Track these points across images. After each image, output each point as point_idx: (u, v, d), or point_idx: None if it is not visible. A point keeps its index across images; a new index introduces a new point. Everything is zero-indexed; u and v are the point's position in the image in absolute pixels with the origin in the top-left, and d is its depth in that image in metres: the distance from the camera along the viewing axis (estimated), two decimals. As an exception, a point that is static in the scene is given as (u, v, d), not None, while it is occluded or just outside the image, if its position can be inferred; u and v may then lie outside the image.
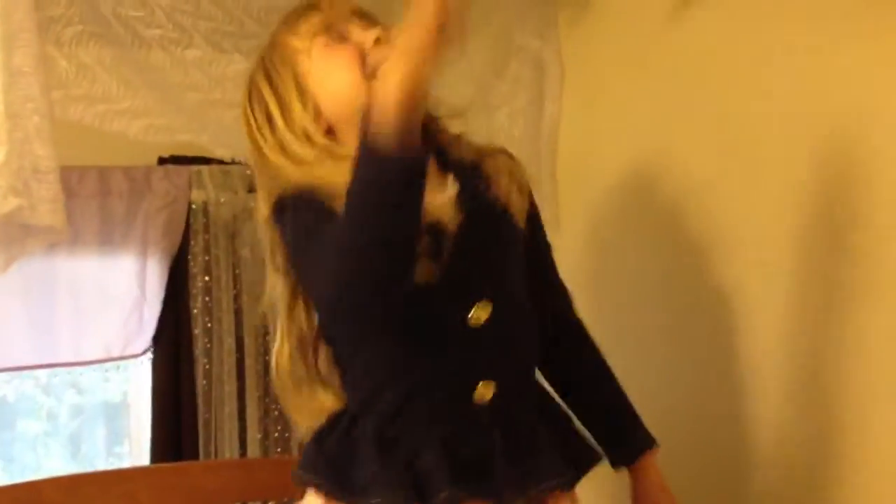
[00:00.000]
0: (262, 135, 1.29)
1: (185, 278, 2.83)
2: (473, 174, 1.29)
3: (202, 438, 2.80)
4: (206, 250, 2.84)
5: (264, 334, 2.90)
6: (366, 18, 1.28)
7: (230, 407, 2.82)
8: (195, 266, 2.83)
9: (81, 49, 1.83)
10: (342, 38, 1.26)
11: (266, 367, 2.89)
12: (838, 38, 1.24)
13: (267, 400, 2.89)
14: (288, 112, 1.26)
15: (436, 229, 1.22)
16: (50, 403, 3.49)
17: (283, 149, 1.26)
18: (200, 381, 2.81)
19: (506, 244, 1.30)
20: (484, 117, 1.95)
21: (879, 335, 1.22)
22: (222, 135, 1.96)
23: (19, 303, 2.69)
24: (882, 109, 1.19)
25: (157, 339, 2.81)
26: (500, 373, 1.25)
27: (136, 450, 3.35)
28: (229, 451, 2.80)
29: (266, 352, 2.90)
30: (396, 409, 1.25)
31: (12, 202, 1.74)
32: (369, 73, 1.21)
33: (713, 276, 1.56)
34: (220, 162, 2.85)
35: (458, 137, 1.33)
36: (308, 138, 1.26)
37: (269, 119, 1.27)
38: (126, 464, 3.22)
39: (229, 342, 2.83)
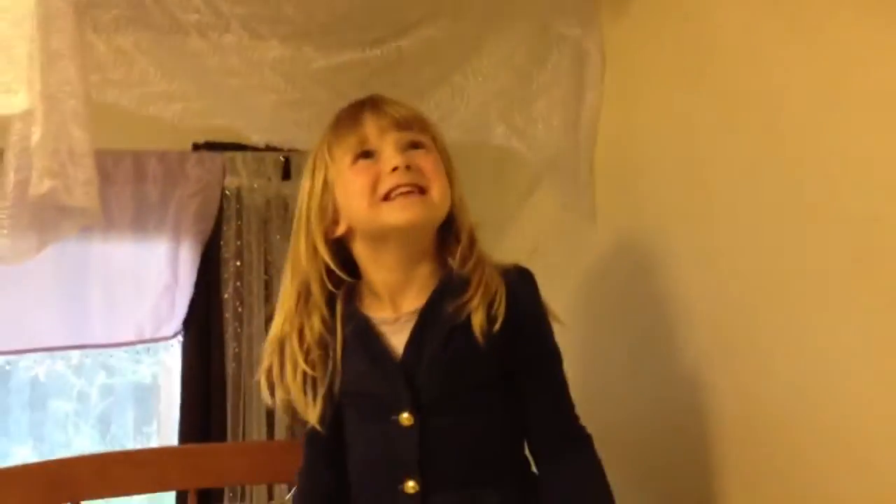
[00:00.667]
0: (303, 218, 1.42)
1: (217, 263, 2.85)
2: (457, 289, 1.33)
3: (230, 421, 2.83)
4: (239, 236, 2.86)
5: (294, 320, 2.90)
6: (406, 128, 1.36)
7: (258, 391, 2.82)
8: (227, 251, 2.85)
9: (119, 33, 1.84)
10: (370, 156, 1.35)
11: (295, 353, 2.91)
12: None
13: (295, 385, 2.89)
14: (313, 211, 1.39)
15: (376, 342, 1.36)
16: (81, 384, 3.53)
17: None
18: (230, 365, 2.84)
19: (448, 362, 1.33)
20: (523, 107, 1.94)
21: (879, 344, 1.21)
22: (258, 120, 1.96)
23: (53, 285, 2.73)
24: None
25: (188, 323, 2.84)
26: (426, 471, 1.34)
27: (164, 431, 3.39)
28: (257, 434, 2.82)
29: (296, 338, 2.91)
30: (357, 484, 1.43)
31: (47, 184, 1.75)
32: (378, 199, 1.31)
33: (757, 272, 1.54)
34: (255, 149, 2.87)
35: (471, 238, 1.39)
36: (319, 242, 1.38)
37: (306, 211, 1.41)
38: (154, 444, 3.26)
39: (259, 327, 2.85)
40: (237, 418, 2.83)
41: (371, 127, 1.35)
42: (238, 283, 2.85)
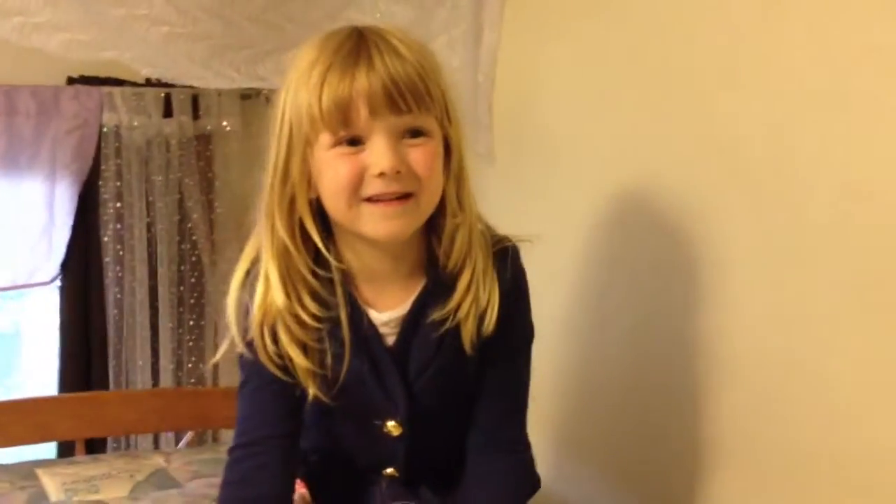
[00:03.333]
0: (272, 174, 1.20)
1: (96, 205, 2.73)
2: (443, 291, 1.23)
3: (112, 369, 2.74)
4: (118, 176, 2.74)
5: (179, 263, 2.83)
6: (403, 105, 1.12)
7: (142, 337, 2.76)
8: (106, 192, 2.73)
9: (-2, -42, 1.72)
10: (358, 143, 1.14)
11: (180, 298, 2.83)
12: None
13: (181, 331, 2.83)
14: (284, 176, 1.18)
15: (367, 343, 1.24)
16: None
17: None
18: (111, 311, 2.74)
19: (438, 371, 1.27)
20: (424, 45, 1.91)
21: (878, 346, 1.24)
22: (148, 53, 1.87)
23: (-82, 226, 2.56)
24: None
25: (66, 267, 2.71)
26: (408, 465, 1.33)
27: (30, 382, 3.24)
28: (141, 382, 2.74)
29: (180, 282, 2.84)
30: (322, 465, 1.37)
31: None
32: (359, 199, 1.14)
33: (649, 217, 1.57)
34: (133, 84, 2.75)
35: (463, 235, 1.22)
36: (289, 208, 1.19)
37: (275, 170, 1.19)
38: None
39: (142, 271, 2.76)
40: (120, 366, 2.74)
41: (360, 100, 1.11)
42: (118, 226, 2.74)
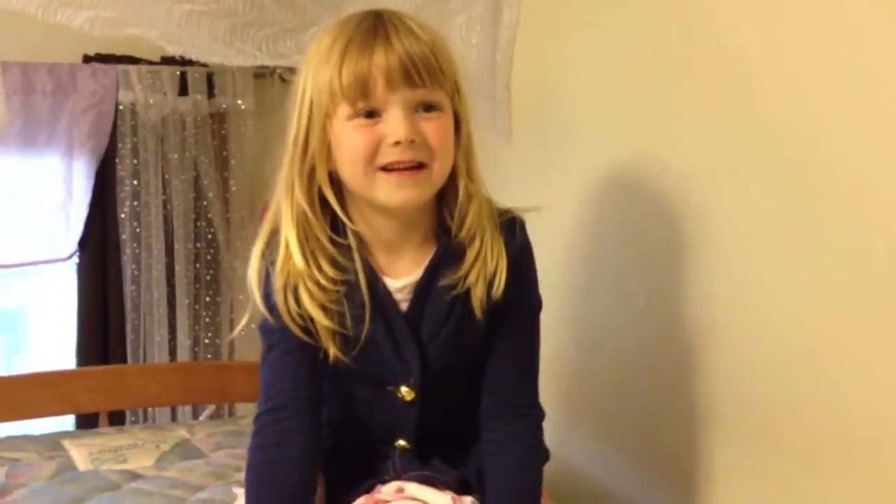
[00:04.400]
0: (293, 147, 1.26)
1: (113, 182, 2.75)
2: (453, 257, 1.29)
3: (130, 345, 2.77)
4: (135, 154, 2.77)
5: (194, 241, 2.86)
6: (418, 80, 1.19)
7: (159, 314, 2.78)
8: (123, 170, 2.75)
9: (25, -65, 1.74)
10: (375, 116, 1.20)
11: (196, 274, 2.87)
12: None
13: (197, 307, 2.86)
14: (304, 148, 1.24)
15: (382, 308, 1.29)
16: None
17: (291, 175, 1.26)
18: (128, 288, 2.76)
19: (449, 336, 1.31)
20: (442, 24, 1.93)
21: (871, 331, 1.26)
22: (172, 31, 1.89)
23: (-63, 202, 2.59)
24: (875, 102, 1.22)
25: (84, 244, 2.75)
26: (419, 433, 1.36)
27: (38, 359, 3.27)
28: (158, 357, 2.77)
29: (196, 259, 2.87)
30: (335, 435, 1.39)
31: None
32: (375, 168, 1.20)
33: (670, 204, 1.60)
34: (149, 62, 2.77)
35: (476, 205, 1.28)
36: (309, 180, 1.25)
37: (295, 143, 1.25)
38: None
39: (158, 248, 2.78)
40: (137, 342, 2.77)
41: (378, 74, 1.18)
42: (135, 203, 2.76)
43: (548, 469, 1.38)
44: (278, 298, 1.26)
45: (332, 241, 1.26)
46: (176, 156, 2.82)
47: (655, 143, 1.64)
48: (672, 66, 1.59)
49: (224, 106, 2.87)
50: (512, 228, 1.32)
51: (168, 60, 2.75)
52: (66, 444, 1.94)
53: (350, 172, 1.22)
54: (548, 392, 1.40)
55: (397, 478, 1.33)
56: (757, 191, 1.41)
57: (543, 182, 1.95)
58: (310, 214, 1.25)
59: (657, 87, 1.63)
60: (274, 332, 1.29)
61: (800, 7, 1.33)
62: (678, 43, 1.57)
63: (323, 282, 1.25)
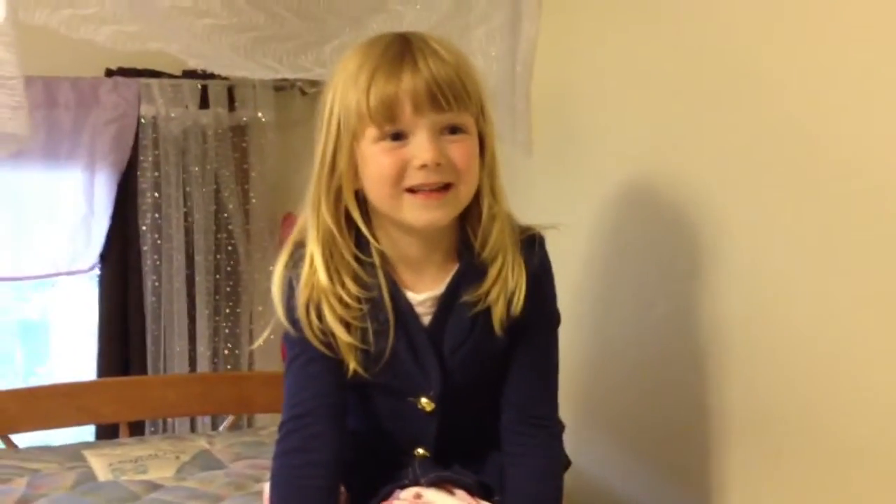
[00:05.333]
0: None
1: (134, 195, 2.78)
2: (475, 275, 1.30)
3: (150, 356, 2.79)
4: (156, 166, 2.79)
5: (215, 253, 2.88)
6: (445, 104, 1.21)
7: (179, 325, 2.80)
8: (144, 182, 2.78)
9: (46, -49, 1.76)
10: (400, 138, 1.22)
11: (216, 285, 2.88)
12: None
13: (217, 318, 2.88)
14: (332, 168, 1.26)
15: (404, 321, 1.30)
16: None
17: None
18: (149, 299, 2.79)
19: (470, 350, 1.33)
20: (461, 36, 1.93)
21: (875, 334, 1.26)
22: (194, 45, 1.90)
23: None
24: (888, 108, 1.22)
25: (105, 256, 2.77)
26: (439, 443, 1.37)
27: (59, 370, 3.30)
28: (178, 368, 2.79)
29: (217, 270, 2.88)
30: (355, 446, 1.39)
31: (-22, 107, 1.69)
32: (402, 189, 1.22)
33: (689, 215, 1.60)
34: (170, 76, 2.80)
35: (499, 225, 1.30)
36: (336, 198, 1.27)
37: (322, 163, 1.27)
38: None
39: (179, 260, 2.81)
40: (158, 353, 2.79)
41: (405, 98, 1.20)
42: (156, 216, 2.79)
43: (565, 478, 1.38)
44: (300, 314, 1.27)
45: (357, 259, 1.28)
46: (197, 168, 2.84)
47: (675, 153, 1.64)
48: (692, 76, 1.59)
49: (245, 119, 2.90)
50: (532, 245, 1.33)
51: (189, 74, 2.78)
52: (87, 454, 1.95)
53: (377, 193, 1.25)
54: (566, 401, 1.41)
55: (416, 483, 1.34)
56: (777, 200, 1.40)
57: (563, 193, 1.95)
58: (335, 232, 1.27)
59: (677, 98, 1.63)
60: (297, 343, 1.31)
61: (822, 17, 1.32)
62: (698, 53, 1.57)
63: (346, 298, 1.26)
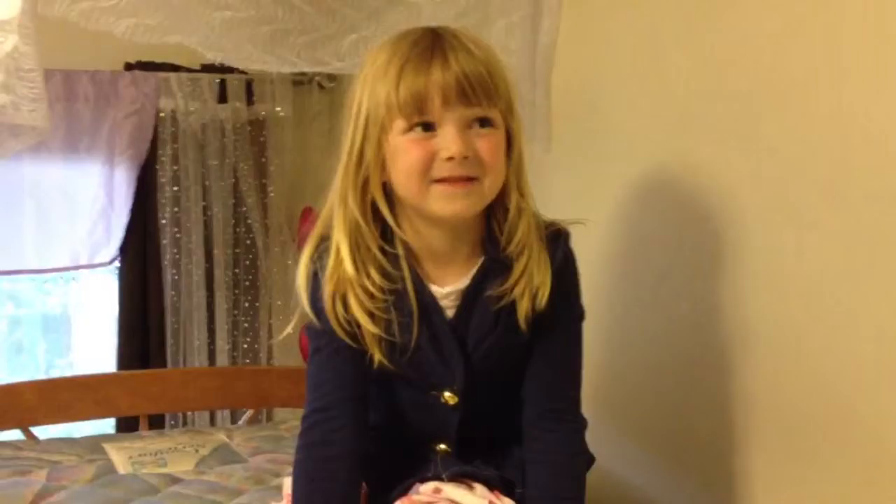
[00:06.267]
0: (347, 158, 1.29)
1: (154, 188, 2.79)
2: (500, 269, 1.30)
3: (170, 349, 2.79)
4: (175, 160, 2.80)
5: (233, 246, 2.88)
6: (473, 98, 1.21)
7: (198, 318, 2.81)
8: (163, 176, 2.79)
9: (66, -58, 1.76)
10: (428, 129, 1.22)
11: (235, 279, 2.89)
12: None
13: (236, 312, 2.88)
14: (359, 160, 1.27)
15: (428, 314, 1.30)
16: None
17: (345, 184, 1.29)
18: (168, 292, 2.79)
19: (494, 344, 1.32)
20: (481, 29, 1.92)
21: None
22: (212, 38, 1.90)
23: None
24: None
25: (125, 249, 2.78)
26: (461, 438, 1.37)
27: (80, 362, 3.32)
28: (197, 361, 2.80)
29: (235, 264, 2.89)
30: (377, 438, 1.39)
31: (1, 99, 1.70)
32: (429, 181, 1.22)
33: (710, 211, 1.58)
34: (189, 70, 2.80)
35: (525, 220, 1.30)
36: (364, 189, 1.28)
37: (350, 155, 1.28)
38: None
39: (198, 253, 2.81)
40: (177, 347, 2.80)
41: (435, 91, 1.21)
42: (175, 209, 2.79)
43: (588, 475, 1.38)
44: (326, 304, 1.28)
45: (382, 251, 1.29)
46: (216, 162, 2.85)
47: (696, 148, 1.63)
48: (714, 70, 1.57)
49: (263, 113, 2.90)
50: (557, 240, 1.33)
51: (208, 68, 2.78)
52: (107, 447, 1.96)
53: (404, 184, 1.25)
54: (586, 399, 1.39)
55: (437, 477, 1.33)
56: (803, 196, 1.38)
57: (583, 188, 1.93)
58: (362, 223, 1.28)
59: (698, 92, 1.61)
60: (321, 335, 1.31)
61: (849, 11, 1.30)
62: (721, 47, 1.55)
63: (371, 289, 1.27)
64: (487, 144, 1.23)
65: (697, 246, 1.62)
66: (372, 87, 1.24)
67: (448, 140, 1.21)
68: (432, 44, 1.23)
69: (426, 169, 1.22)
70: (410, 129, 1.22)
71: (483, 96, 1.22)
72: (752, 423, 1.51)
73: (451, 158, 1.21)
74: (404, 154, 1.23)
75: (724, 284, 1.56)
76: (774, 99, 1.44)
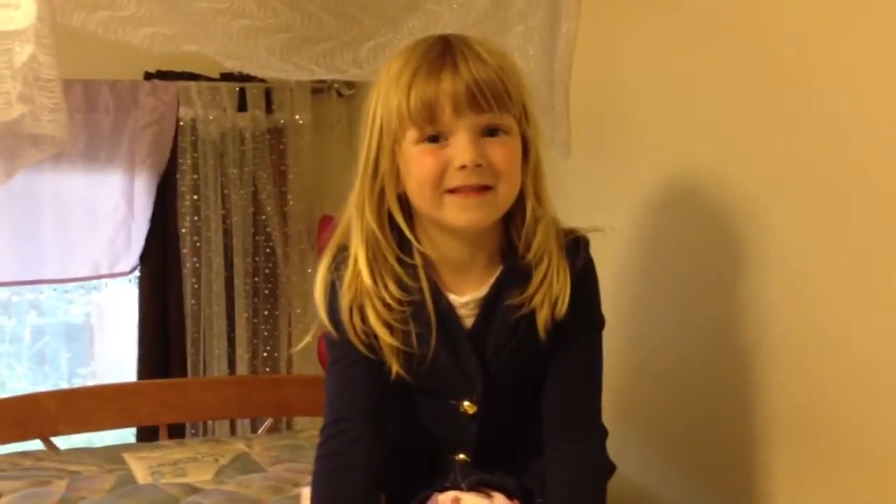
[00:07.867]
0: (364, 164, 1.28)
1: (174, 197, 2.79)
2: (519, 278, 1.29)
3: (190, 358, 2.79)
4: (195, 169, 2.80)
5: (253, 255, 2.88)
6: (484, 105, 1.20)
7: (218, 327, 2.81)
8: (183, 185, 2.79)
9: (85, -46, 1.77)
10: (440, 139, 1.22)
11: (255, 287, 2.89)
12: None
13: (256, 321, 2.88)
14: (374, 171, 1.27)
15: (446, 323, 1.29)
16: (12, 325, 3.45)
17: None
18: (189, 301, 2.79)
19: (513, 353, 1.31)
20: (499, 34, 1.91)
21: None
22: (230, 46, 1.90)
23: (4, 220, 2.64)
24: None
25: (145, 258, 2.78)
26: (479, 448, 1.37)
27: (102, 372, 3.33)
28: (217, 370, 2.79)
29: (255, 273, 2.89)
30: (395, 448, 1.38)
31: (18, 109, 1.70)
32: (442, 191, 1.22)
33: (730, 216, 1.57)
34: (209, 78, 2.81)
35: (544, 227, 1.29)
36: (379, 197, 1.28)
37: (365, 166, 1.28)
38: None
39: (218, 262, 2.81)
40: (197, 355, 2.80)
41: (445, 99, 1.20)
42: (195, 218, 2.79)
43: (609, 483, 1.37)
44: (344, 316, 1.27)
45: (399, 261, 1.28)
46: (235, 171, 2.85)
47: (716, 153, 1.61)
48: (733, 75, 1.55)
49: (282, 121, 2.90)
50: (576, 248, 1.32)
51: (227, 76, 2.79)
52: (127, 457, 1.96)
53: (418, 195, 1.24)
54: (606, 406, 1.38)
55: (456, 486, 1.32)
56: (823, 201, 1.37)
57: (602, 194, 1.92)
58: (379, 234, 1.28)
59: (718, 97, 1.60)
60: (339, 346, 1.31)
61: (870, 20, 1.28)
62: (740, 52, 1.53)
63: (389, 300, 1.26)
64: (500, 152, 1.23)
65: (718, 251, 1.60)
66: (385, 95, 1.24)
67: (459, 149, 1.21)
68: (443, 52, 1.22)
69: (439, 179, 1.22)
70: (422, 139, 1.22)
71: (495, 103, 1.21)
72: (774, 428, 1.49)
73: (463, 167, 1.21)
74: (417, 164, 1.23)
75: (744, 290, 1.54)
76: (795, 103, 1.42)
